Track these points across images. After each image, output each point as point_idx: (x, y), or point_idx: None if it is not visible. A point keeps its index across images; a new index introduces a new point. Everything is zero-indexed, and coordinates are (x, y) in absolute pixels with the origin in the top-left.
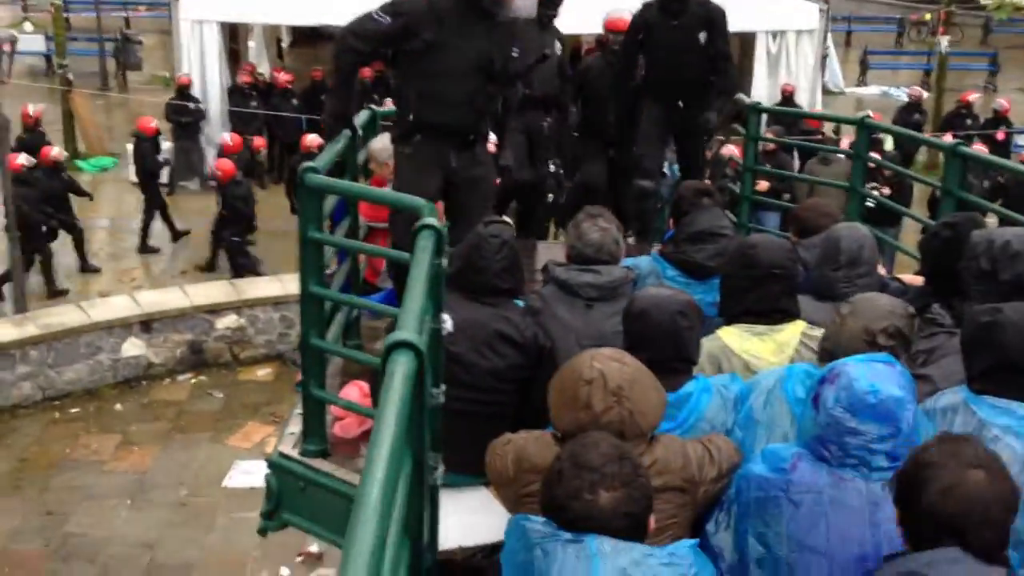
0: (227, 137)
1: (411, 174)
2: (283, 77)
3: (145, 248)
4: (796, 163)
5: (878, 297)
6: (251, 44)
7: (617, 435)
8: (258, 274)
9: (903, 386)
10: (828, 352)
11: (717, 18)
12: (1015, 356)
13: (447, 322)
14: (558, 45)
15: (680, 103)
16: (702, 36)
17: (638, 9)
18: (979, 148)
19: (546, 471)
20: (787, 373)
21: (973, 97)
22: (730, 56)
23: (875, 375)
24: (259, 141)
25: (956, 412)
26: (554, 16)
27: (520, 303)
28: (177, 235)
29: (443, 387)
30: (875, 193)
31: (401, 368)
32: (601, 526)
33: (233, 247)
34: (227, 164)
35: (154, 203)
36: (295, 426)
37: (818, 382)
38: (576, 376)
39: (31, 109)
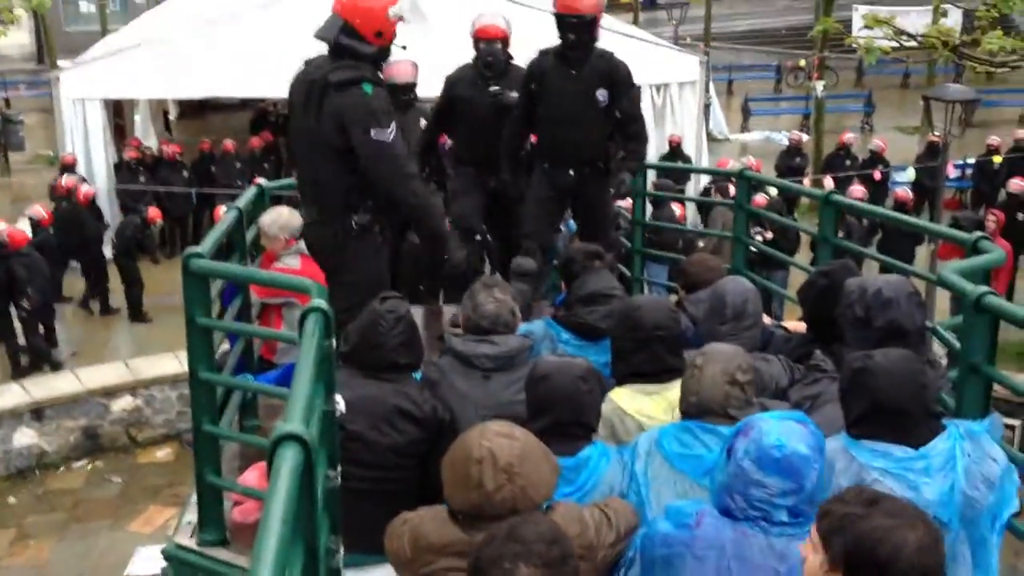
0: (40, 210)
1: (378, 261)
2: (171, 149)
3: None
4: (689, 214)
5: (719, 345)
6: (136, 118)
7: (510, 511)
8: (44, 361)
9: (811, 446)
10: (694, 405)
11: (621, 74)
12: (886, 400)
13: (340, 403)
14: (423, 122)
15: (571, 171)
16: (600, 94)
17: (535, 56)
18: (858, 188)
19: (484, 536)
20: (660, 433)
21: (849, 138)
22: (641, 118)
23: (785, 431)
24: (153, 212)
25: (836, 457)
26: (410, 99)
27: (418, 375)
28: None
29: (339, 469)
30: (757, 239)
31: (287, 463)
32: None
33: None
34: (18, 234)
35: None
36: (191, 514)
37: (733, 434)
38: (466, 455)
39: (64, 180)
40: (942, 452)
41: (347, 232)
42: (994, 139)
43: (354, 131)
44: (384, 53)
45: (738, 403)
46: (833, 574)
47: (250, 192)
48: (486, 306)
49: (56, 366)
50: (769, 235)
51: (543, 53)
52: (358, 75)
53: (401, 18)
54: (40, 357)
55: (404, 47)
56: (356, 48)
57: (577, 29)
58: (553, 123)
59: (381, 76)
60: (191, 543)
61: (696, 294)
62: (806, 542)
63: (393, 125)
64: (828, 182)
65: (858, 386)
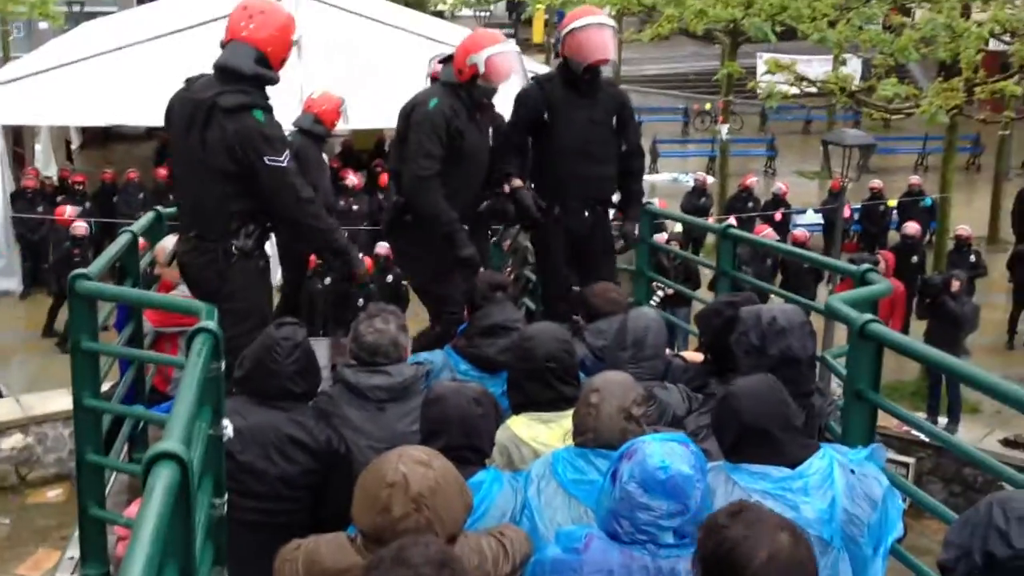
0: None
1: (261, 286)
2: (74, 177)
3: None
4: None
5: (612, 375)
6: (37, 147)
7: None
8: None
9: (694, 466)
10: (591, 440)
11: (629, 103)
12: (751, 421)
13: (228, 427)
14: (325, 157)
15: (586, 213)
16: (614, 122)
17: (532, 82)
18: (762, 229)
19: (370, 559)
20: (555, 458)
21: (752, 181)
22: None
23: (668, 453)
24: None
25: (718, 484)
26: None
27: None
28: None
29: (226, 497)
30: (658, 295)
31: (162, 482)
32: None
33: None
34: None
35: None
36: (74, 550)
37: (617, 458)
38: (379, 477)
39: None
40: (819, 470)
41: (228, 257)
42: (876, 182)
43: (250, 157)
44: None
45: (635, 436)
46: None
47: (147, 217)
48: (365, 337)
49: None
50: (670, 291)
51: (546, 80)
52: (249, 101)
53: (296, 43)
54: None
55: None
56: (268, 76)
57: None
58: (570, 157)
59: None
60: None
61: (596, 324)
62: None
63: (287, 152)
64: (732, 222)
65: (724, 413)
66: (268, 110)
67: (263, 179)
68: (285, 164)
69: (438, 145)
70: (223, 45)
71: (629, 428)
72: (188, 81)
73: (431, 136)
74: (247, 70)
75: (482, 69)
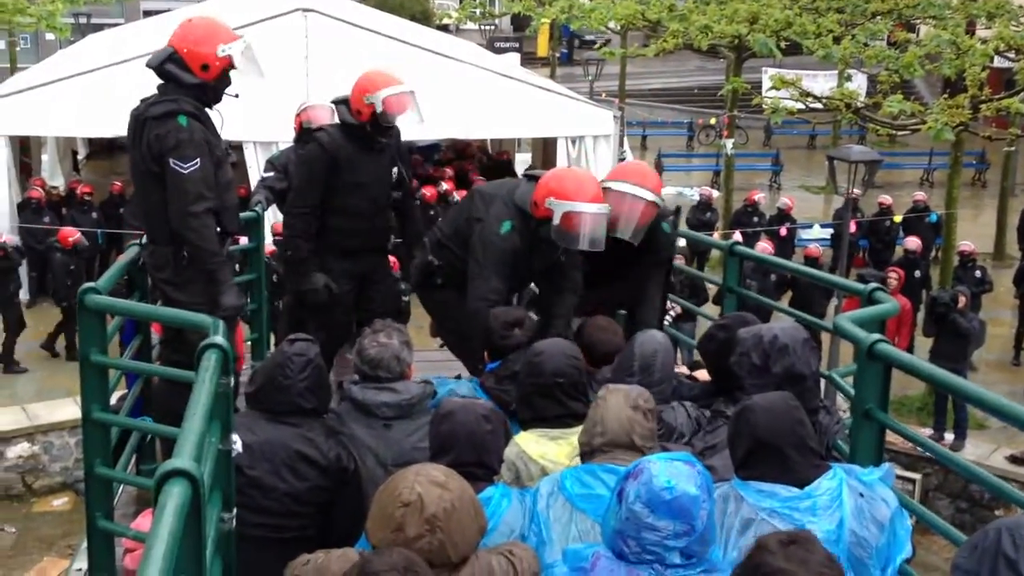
0: None
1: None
2: (81, 188)
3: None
4: None
5: (617, 388)
6: (44, 157)
7: (425, 561)
8: None
9: (700, 485)
10: (599, 435)
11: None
12: (765, 435)
13: (237, 443)
14: None
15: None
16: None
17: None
18: (765, 244)
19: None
20: (563, 475)
21: (758, 196)
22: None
23: (674, 473)
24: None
25: (728, 500)
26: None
27: None
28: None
29: (235, 512)
30: (671, 314)
31: (173, 500)
32: None
33: None
34: None
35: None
36: (82, 561)
37: (623, 477)
38: (395, 495)
39: None
40: (828, 491)
41: (178, 260)
42: (885, 198)
43: (164, 158)
44: (213, 91)
45: (642, 430)
46: None
47: None
48: (368, 351)
49: None
50: (678, 310)
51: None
52: (175, 108)
53: (231, 59)
54: None
55: (236, 95)
56: (179, 76)
57: None
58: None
59: (206, 110)
60: None
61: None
62: None
63: (198, 160)
64: (737, 237)
65: (739, 427)
66: (195, 116)
67: (166, 181)
68: (187, 172)
69: (505, 274)
70: None
71: (636, 418)
72: (142, 100)
73: (500, 267)
74: (153, 63)
75: (379, 108)
